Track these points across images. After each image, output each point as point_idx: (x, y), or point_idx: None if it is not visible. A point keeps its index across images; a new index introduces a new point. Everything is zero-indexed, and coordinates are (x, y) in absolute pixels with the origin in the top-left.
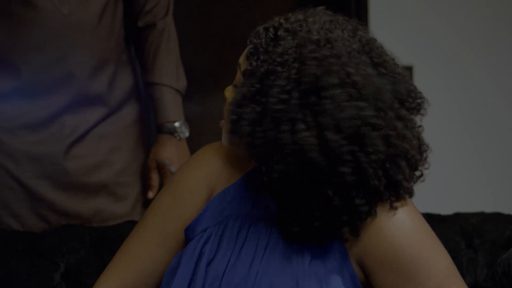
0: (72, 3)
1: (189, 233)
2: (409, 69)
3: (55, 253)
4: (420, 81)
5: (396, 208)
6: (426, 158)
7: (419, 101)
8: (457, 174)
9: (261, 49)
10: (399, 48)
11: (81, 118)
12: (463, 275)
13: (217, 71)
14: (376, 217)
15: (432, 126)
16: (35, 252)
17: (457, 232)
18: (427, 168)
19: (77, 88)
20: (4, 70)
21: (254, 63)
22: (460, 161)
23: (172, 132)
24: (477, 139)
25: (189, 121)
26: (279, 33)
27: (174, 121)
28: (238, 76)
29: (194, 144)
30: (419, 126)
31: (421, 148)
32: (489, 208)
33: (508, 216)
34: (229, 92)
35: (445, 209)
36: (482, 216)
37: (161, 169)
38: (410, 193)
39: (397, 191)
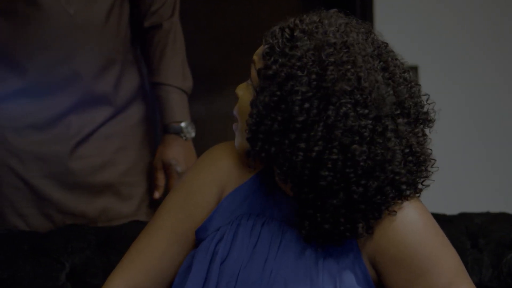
0: (78, 3)
1: (201, 233)
2: (415, 68)
3: (61, 253)
4: (426, 81)
5: (398, 210)
6: (424, 169)
7: (424, 111)
8: (463, 174)
9: (277, 50)
10: (405, 48)
11: (87, 118)
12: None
13: (223, 71)
14: (393, 216)
15: (437, 126)
16: (41, 252)
17: (463, 232)
18: (429, 177)
19: (83, 88)
20: (10, 70)
21: (272, 66)
22: (465, 161)
23: (178, 132)
24: (483, 139)
25: (195, 121)
26: (295, 34)
27: (180, 121)
28: (253, 74)
29: (200, 144)
30: (424, 136)
31: (419, 158)
32: (494, 208)
33: None
34: (242, 90)
35: (451, 209)
36: (488, 216)
37: (167, 169)
38: (406, 197)
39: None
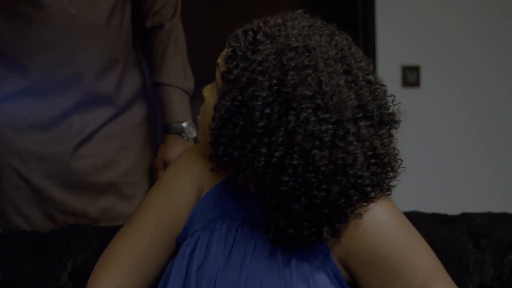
0: (80, 4)
1: (180, 239)
2: (416, 68)
3: (62, 253)
4: (427, 81)
5: (361, 216)
6: (390, 170)
7: (389, 112)
8: (464, 174)
9: (239, 53)
10: (406, 48)
11: (89, 118)
12: (470, 275)
13: None
14: (360, 219)
15: (438, 126)
16: (42, 252)
17: (464, 232)
18: (396, 177)
19: (85, 88)
20: (12, 69)
21: (234, 71)
22: (466, 161)
23: (180, 132)
24: (483, 139)
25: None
26: (258, 37)
27: (182, 122)
28: (218, 77)
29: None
30: (390, 137)
31: (383, 159)
32: (495, 209)
33: None
34: (207, 92)
35: (452, 209)
36: (489, 216)
37: None
38: (371, 199)
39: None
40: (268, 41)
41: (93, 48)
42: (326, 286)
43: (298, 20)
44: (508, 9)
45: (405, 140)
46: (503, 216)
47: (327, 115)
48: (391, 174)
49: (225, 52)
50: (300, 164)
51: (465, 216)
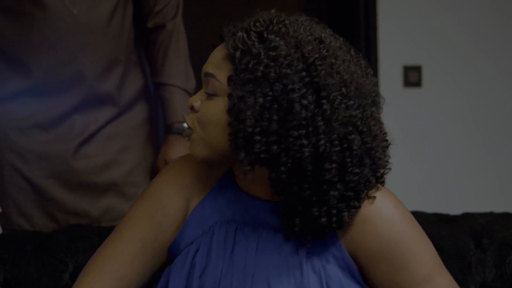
0: (82, 4)
1: (174, 249)
2: (418, 68)
3: (64, 253)
4: (429, 81)
5: (374, 198)
6: (388, 153)
7: (379, 97)
8: (466, 174)
9: (255, 51)
10: (408, 48)
11: (91, 118)
12: (472, 275)
13: None
14: (360, 211)
15: (440, 126)
16: (44, 252)
17: (466, 232)
18: (389, 166)
19: (87, 88)
20: (14, 69)
21: (256, 68)
22: (468, 161)
23: (181, 132)
24: (486, 139)
25: None
26: (266, 35)
27: (183, 122)
28: (216, 84)
29: None
30: (381, 123)
31: (386, 143)
32: (498, 208)
33: None
34: (198, 102)
35: (454, 209)
36: (491, 216)
37: None
38: (382, 182)
39: (366, 185)
40: (278, 38)
41: (95, 48)
42: (339, 278)
43: (290, 16)
44: (509, 9)
45: (406, 140)
46: (505, 216)
47: (351, 102)
48: (387, 157)
49: (216, 59)
50: (339, 150)
51: (467, 216)
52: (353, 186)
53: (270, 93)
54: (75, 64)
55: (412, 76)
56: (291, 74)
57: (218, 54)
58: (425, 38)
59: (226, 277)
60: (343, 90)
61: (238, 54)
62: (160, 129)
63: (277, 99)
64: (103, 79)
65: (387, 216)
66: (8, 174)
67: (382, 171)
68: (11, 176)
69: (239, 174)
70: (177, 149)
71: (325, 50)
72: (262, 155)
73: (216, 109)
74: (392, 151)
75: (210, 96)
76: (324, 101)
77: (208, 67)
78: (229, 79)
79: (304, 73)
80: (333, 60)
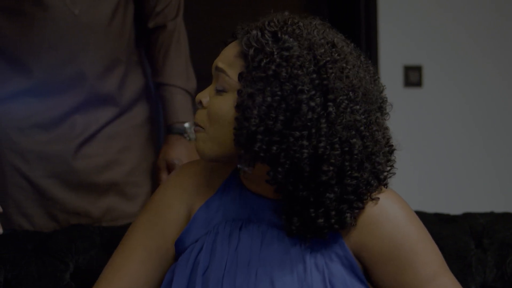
0: (83, 4)
1: (179, 246)
2: (419, 68)
3: (65, 253)
4: (429, 81)
5: (378, 199)
6: (392, 158)
7: (385, 103)
8: (467, 174)
9: (269, 50)
10: (408, 48)
11: (92, 118)
12: (472, 275)
13: None
14: (365, 212)
15: (441, 126)
16: (45, 252)
17: (467, 232)
18: (394, 170)
19: (87, 88)
20: (15, 69)
21: (268, 67)
22: (469, 161)
23: (182, 132)
24: (486, 139)
25: None
26: (280, 35)
27: (184, 122)
28: (226, 80)
29: None
30: (386, 128)
31: (391, 147)
32: (498, 208)
33: None
34: (206, 98)
35: (455, 209)
36: (492, 216)
37: (171, 169)
38: (386, 185)
39: (367, 188)
40: (292, 39)
41: (96, 48)
42: (342, 277)
43: (304, 19)
44: (509, 9)
45: (407, 140)
46: (506, 216)
47: (357, 106)
48: (391, 162)
49: (228, 56)
50: (339, 153)
51: (467, 216)
52: (352, 189)
53: (279, 93)
54: (75, 64)
55: (412, 76)
56: (302, 75)
57: (230, 51)
58: (426, 38)
59: (229, 274)
60: (351, 94)
61: (251, 51)
62: (161, 129)
63: (285, 99)
64: (104, 79)
65: (392, 216)
66: (9, 174)
67: (384, 174)
68: (11, 176)
69: (244, 173)
70: (178, 149)
71: (336, 54)
72: (261, 154)
73: (224, 105)
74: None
75: (219, 92)
76: (330, 103)
77: (219, 62)
78: (240, 75)
79: (314, 75)
80: (344, 64)
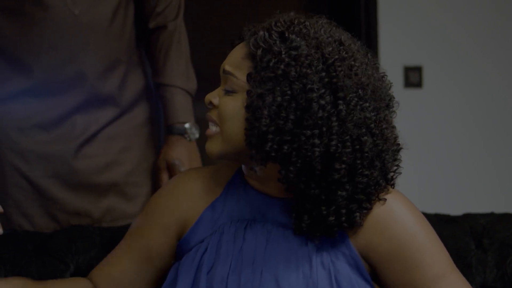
0: (83, 4)
1: (183, 246)
2: (419, 69)
3: (65, 253)
4: (429, 81)
5: (385, 199)
6: (398, 157)
7: (392, 101)
8: (467, 174)
9: (277, 50)
10: (408, 48)
11: (92, 118)
12: (472, 275)
13: None
14: (372, 212)
15: (441, 126)
16: (45, 252)
17: (467, 232)
18: (400, 168)
19: (88, 89)
20: (15, 69)
21: (277, 66)
22: (469, 161)
23: (182, 133)
24: (486, 140)
25: (199, 122)
26: (287, 35)
27: (184, 122)
28: (234, 81)
29: (204, 145)
30: (394, 126)
31: (397, 147)
32: (498, 209)
33: None
34: (216, 98)
35: (455, 210)
36: (492, 217)
37: (171, 169)
38: (393, 185)
39: (377, 186)
40: (299, 38)
41: (96, 48)
42: (348, 275)
43: (310, 18)
44: (509, 9)
45: (407, 141)
46: (506, 216)
47: (367, 104)
48: (397, 161)
49: (236, 58)
50: (351, 151)
51: (467, 216)
52: (362, 187)
53: (289, 92)
54: (76, 64)
55: (412, 77)
56: (311, 74)
57: (237, 53)
58: (426, 39)
59: (234, 272)
60: (360, 92)
61: (259, 52)
62: (161, 130)
63: (295, 98)
64: (104, 79)
65: (399, 217)
66: (9, 174)
67: (392, 174)
68: (12, 176)
69: (249, 172)
70: (178, 150)
71: (344, 52)
72: (273, 154)
73: (234, 105)
74: None
75: (229, 92)
76: (340, 101)
77: (227, 65)
78: (249, 76)
79: (323, 74)
80: (352, 62)
